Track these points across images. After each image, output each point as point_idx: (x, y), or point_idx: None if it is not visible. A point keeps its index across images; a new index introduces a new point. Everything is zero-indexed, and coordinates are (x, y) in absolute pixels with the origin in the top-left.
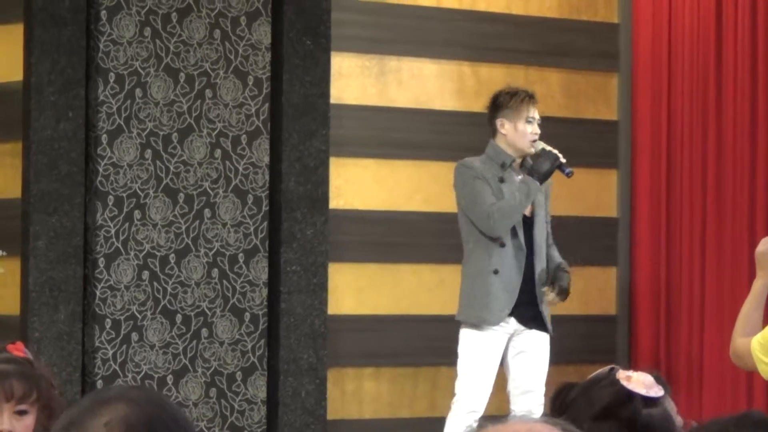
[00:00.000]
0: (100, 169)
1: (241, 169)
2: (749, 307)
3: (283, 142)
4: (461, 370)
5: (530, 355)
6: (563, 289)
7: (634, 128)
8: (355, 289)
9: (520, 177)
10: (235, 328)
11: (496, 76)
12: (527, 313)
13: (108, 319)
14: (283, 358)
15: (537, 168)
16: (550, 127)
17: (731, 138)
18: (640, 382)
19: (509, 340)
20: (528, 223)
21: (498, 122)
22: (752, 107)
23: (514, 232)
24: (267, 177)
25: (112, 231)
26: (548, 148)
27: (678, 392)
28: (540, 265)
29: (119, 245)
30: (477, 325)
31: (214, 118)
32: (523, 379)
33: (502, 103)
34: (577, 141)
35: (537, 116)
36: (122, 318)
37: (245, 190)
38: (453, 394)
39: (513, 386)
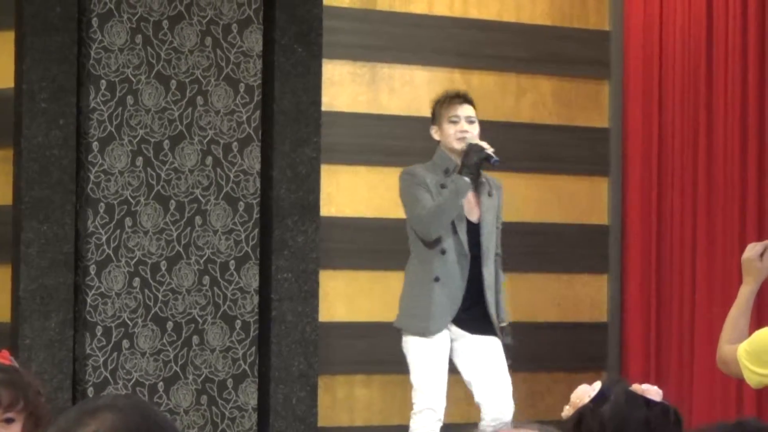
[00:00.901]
0: (92, 177)
1: (232, 176)
2: (735, 314)
3: (275, 149)
4: (415, 380)
5: (481, 360)
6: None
7: (625, 136)
8: (346, 296)
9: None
10: (226, 335)
11: (488, 84)
12: (471, 319)
13: (99, 327)
14: (274, 365)
15: (465, 163)
16: (541, 135)
17: (722, 145)
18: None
19: (453, 347)
20: (474, 228)
21: (432, 130)
22: (743, 114)
23: (456, 239)
24: (258, 184)
25: (103, 238)
26: (475, 142)
27: (669, 398)
28: (488, 270)
29: (110, 252)
30: (420, 333)
31: (205, 126)
32: (485, 385)
33: (432, 111)
34: (569, 148)
35: (466, 113)
36: (113, 325)
37: (236, 197)
38: (411, 404)
39: (479, 395)
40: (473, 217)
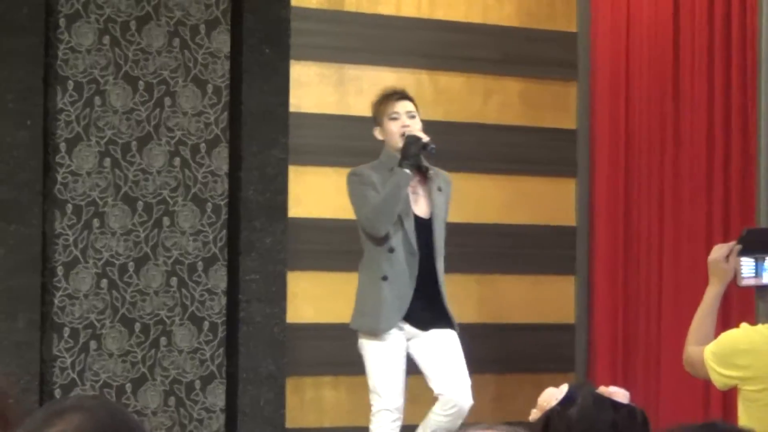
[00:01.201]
0: (59, 178)
1: (200, 177)
2: (701, 315)
3: (243, 150)
4: (370, 383)
5: (439, 353)
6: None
7: (592, 137)
8: (314, 298)
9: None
10: (193, 336)
11: (455, 85)
12: (425, 316)
13: (66, 328)
14: (242, 366)
15: (404, 154)
16: (508, 136)
17: (689, 146)
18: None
19: (409, 345)
20: (425, 224)
21: (375, 131)
22: (709, 116)
23: (405, 237)
24: (226, 185)
25: (71, 239)
26: (412, 133)
27: (636, 398)
28: (440, 266)
29: (78, 254)
30: (372, 333)
31: (173, 127)
32: (443, 376)
33: (372, 113)
34: (536, 150)
35: (405, 109)
36: (81, 326)
37: (204, 198)
38: (370, 406)
39: (438, 387)
40: (423, 213)
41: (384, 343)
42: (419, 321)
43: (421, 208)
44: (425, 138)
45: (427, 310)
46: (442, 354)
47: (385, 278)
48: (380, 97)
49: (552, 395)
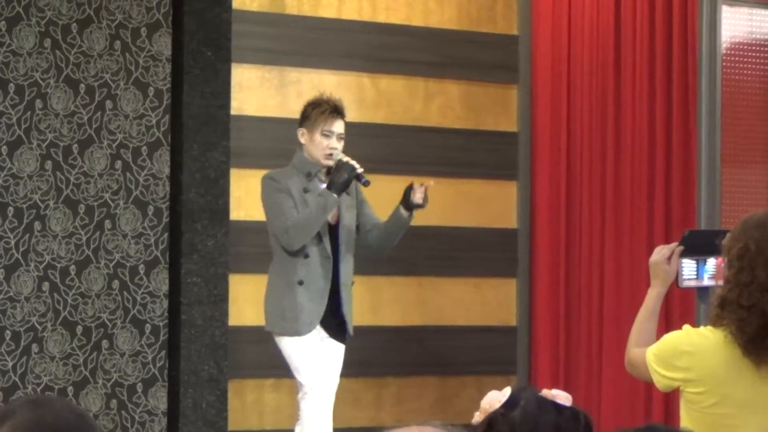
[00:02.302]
0: (0, 181)
1: (141, 180)
2: (643, 317)
3: (184, 153)
4: (299, 364)
5: (330, 368)
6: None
7: (533, 140)
8: (255, 301)
9: (323, 186)
10: (135, 339)
11: (396, 88)
12: (332, 322)
13: (8, 331)
14: (183, 369)
15: (334, 180)
16: (450, 139)
17: (630, 149)
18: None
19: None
20: (333, 230)
21: (299, 132)
22: (650, 118)
23: (319, 242)
24: (167, 188)
25: (12, 242)
26: (345, 159)
27: (577, 402)
28: (345, 271)
29: (19, 256)
30: (292, 334)
31: (114, 130)
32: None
33: (305, 113)
34: (477, 152)
35: (339, 130)
36: (22, 329)
37: (146, 201)
38: (299, 388)
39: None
40: (332, 220)
41: (306, 339)
42: (328, 325)
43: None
44: (360, 169)
45: (333, 317)
46: (332, 372)
47: (301, 283)
48: (321, 106)
49: (495, 398)
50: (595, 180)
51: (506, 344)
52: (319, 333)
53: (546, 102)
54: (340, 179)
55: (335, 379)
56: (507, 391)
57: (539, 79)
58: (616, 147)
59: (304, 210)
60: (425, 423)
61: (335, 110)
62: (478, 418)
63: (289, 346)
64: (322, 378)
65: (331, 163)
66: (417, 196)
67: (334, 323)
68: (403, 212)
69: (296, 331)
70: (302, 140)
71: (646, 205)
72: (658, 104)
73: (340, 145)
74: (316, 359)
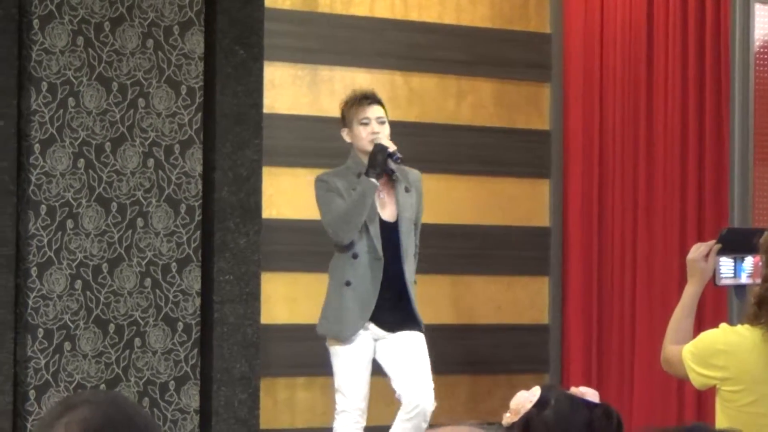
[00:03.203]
0: (33, 179)
1: (173, 178)
2: (680, 315)
3: (216, 151)
4: (337, 383)
5: (404, 355)
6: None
7: (565, 138)
8: (287, 299)
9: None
10: (167, 337)
11: (428, 86)
12: (391, 319)
13: (40, 329)
14: (215, 367)
15: (371, 163)
16: (482, 137)
17: (662, 147)
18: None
19: (376, 347)
20: (391, 228)
21: (343, 133)
22: (683, 116)
23: (369, 243)
24: (200, 186)
25: (45, 240)
26: (379, 141)
27: (608, 400)
28: (408, 268)
29: (52, 254)
30: (336, 337)
31: (146, 128)
32: (406, 377)
33: (341, 113)
34: (509, 151)
35: (376, 114)
36: (54, 327)
37: (178, 199)
38: (334, 407)
39: (399, 387)
40: (389, 217)
41: (350, 346)
42: (386, 323)
43: (387, 211)
44: (392, 147)
45: (394, 313)
46: (407, 357)
47: (348, 284)
48: (351, 100)
49: (525, 398)
50: (627, 178)
51: (538, 343)
52: (374, 333)
53: (578, 100)
54: (375, 162)
55: (419, 367)
56: (536, 391)
57: (571, 78)
58: (648, 145)
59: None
60: (461, 422)
61: (365, 97)
62: (508, 419)
63: (333, 354)
64: (355, 401)
65: None
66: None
67: (397, 319)
68: None
69: (338, 333)
70: (348, 140)
71: (678, 203)
72: (691, 102)
73: (383, 129)
74: (354, 378)
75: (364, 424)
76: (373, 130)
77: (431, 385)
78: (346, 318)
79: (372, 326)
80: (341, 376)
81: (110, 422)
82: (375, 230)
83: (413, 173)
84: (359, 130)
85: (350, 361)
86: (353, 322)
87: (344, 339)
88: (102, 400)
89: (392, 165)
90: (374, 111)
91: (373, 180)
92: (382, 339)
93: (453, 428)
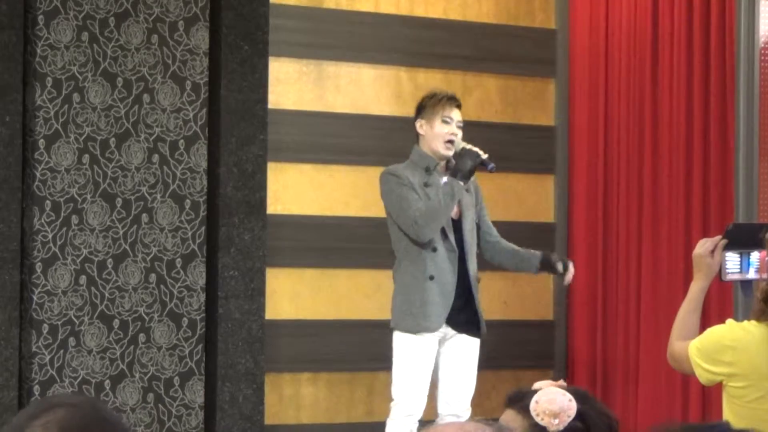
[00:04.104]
0: (38, 174)
1: (178, 174)
2: (686, 311)
3: (221, 147)
4: (398, 374)
5: (461, 361)
6: (559, 263)
7: (571, 134)
8: (292, 294)
9: (444, 179)
10: (172, 333)
11: (434, 82)
12: (460, 317)
13: (45, 324)
14: (220, 363)
15: (459, 167)
16: (487, 133)
17: (667, 143)
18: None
19: (440, 343)
20: (457, 225)
21: (418, 124)
22: (688, 112)
23: (444, 236)
24: (205, 182)
25: (50, 236)
26: (468, 146)
27: (614, 396)
28: (472, 267)
29: (56, 250)
30: (414, 330)
31: (151, 123)
32: (453, 384)
33: (422, 105)
34: (514, 147)
35: (457, 118)
36: (59, 323)
37: (183, 195)
38: (390, 399)
39: (443, 390)
40: (454, 214)
41: (421, 340)
42: (455, 321)
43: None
44: (484, 155)
45: (462, 312)
46: (461, 366)
47: (432, 278)
48: (438, 95)
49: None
50: (632, 174)
51: (543, 338)
52: (445, 331)
53: (583, 96)
54: (465, 166)
55: (470, 375)
56: (564, 396)
57: (577, 73)
58: (653, 141)
59: (432, 200)
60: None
61: (452, 98)
62: (556, 426)
63: (401, 344)
64: (415, 394)
65: (450, 153)
66: (566, 277)
67: (463, 319)
68: (539, 268)
69: (425, 327)
70: (421, 131)
71: (683, 199)
72: (696, 98)
73: (460, 133)
74: (417, 372)
75: (417, 421)
76: (453, 131)
77: (472, 393)
78: (432, 311)
79: (444, 325)
80: (403, 366)
81: (88, 424)
82: (449, 226)
83: (474, 180)
84: (440, 126)
85: (418, 353)
86: (438, 315)
87: (426, 332)
88: (79, 402)
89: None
90: (457, 114)
91: (462, 183)
92: (449, 338)
93: (460, 425)
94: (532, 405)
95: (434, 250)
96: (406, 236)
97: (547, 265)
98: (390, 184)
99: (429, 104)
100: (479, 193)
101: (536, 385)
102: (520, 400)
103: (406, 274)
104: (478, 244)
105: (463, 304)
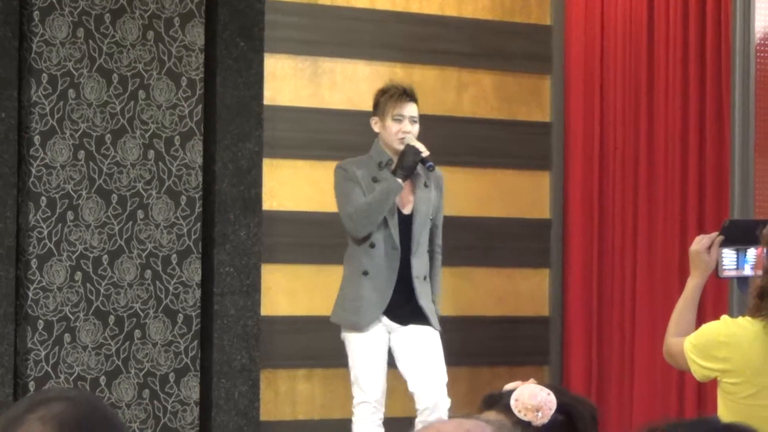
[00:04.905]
0: (33, 170)
1: (174, 170)
2: (682, 307)
3: (217, 143)
4: (353, 373)
5: (416, 351)
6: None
7: (566, 130)
8: (288, 291)
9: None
10: (168, 329)
11: (429, 78)
12: (403, 311)
13: (40, 321)
14: (216, 359)
15: (400, 164)
16: (482, 129)
17: (663, 139)
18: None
19: (390, 338)
20: (407, 220)
21: (372, 121)
22: (683, 109)
23: (387, 233)
24: (200, 178)
25: (45, 232)
26: (413, 143)
27: (609, 391)
28: (417, 263)
29: (52, 246)
30: (353, 328)
31: (147, 120)
32: (417, 375)
33: (376, 101)
34: (510, 143)
35: (410, 113)
36: (55, 319)
37: (178, 191)
38: (352, 398)
39: (412, 385)
40: (406, 209)
41: (366, 337)
42: (398, 316)
43: (404, 204)
44: (425, 152)
45: (406, 306)
46: (420, 352)
47: (365, 273)
48: (390, 90)
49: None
50: (628, 170)
51: (539, 335)
52: (387, 325)
53: (579, 92)
54: (406, 163)
55: (431, 362)
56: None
57: (572, 70)
58: (648, 137)
59: (368, 196)
60: (468, 416)
61: (404, 93)
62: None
63: (349, 345)
64: (372, 391)
65: (402, 145)
66: None
67: (407, 312)
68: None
69: (355, 324)
70: (376, 129)
71: (678, 195)
72: (691, 94)
73: (414, 128)
74: (370, 369)
75: (382, 415)
76: (405, 129)
77: (445, 380)
78: (364, 307)
79: (384, 318)
80: (358, 367)
81: (86, 418)
82: (393, 222)
83: (436, 172)
84: (391, 125)
85: (367, 352)
86: (371, 311)
87: (361, 329)
88: (75, 396)
89: (420, 170)
90: (410, 109)
91: (400, 181)
92: (395, 332)
93: (460, 421)
94: (513, 403)
95: (372, 246)
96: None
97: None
98: (337, 178)
99: (381, 101)
100: (441, 191)
101: (507, 387)
102: (498, 401)
103: (346, 268)
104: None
105: (405, 300)
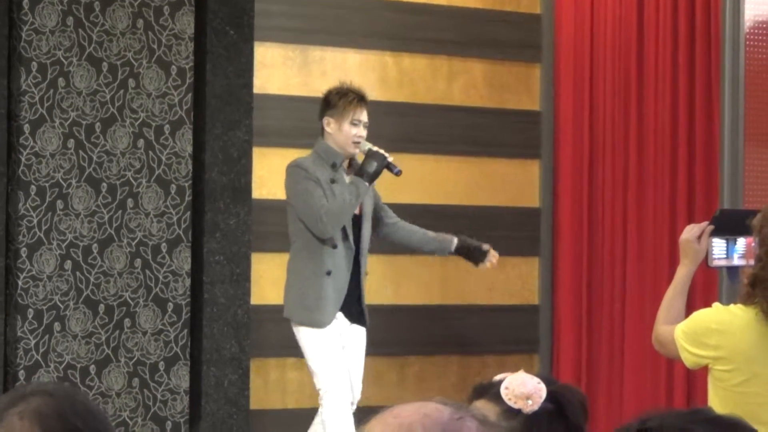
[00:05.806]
0: (23, 159)
1: (164, 158)
2: (672, 295)
3: (207, 132)
4: (316, 366)
5: (352, 351)
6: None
7: (556, 119)
8: (277, 279)
9: (348, 177)
10: (157, 318)
11: (419, 67)
12: (353, 309)
13: (30, 309)
14: (205, 348)
15: (365, 169)
16: (472, 118)
17: (653, 128)
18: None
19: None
20: (357, 222)
21: (325, 120)
22: (673, 98)
23: (345, 234)
24: (190, 167)
25: (35, 221)
26: (375, 148)
27: (599, 380)
28: (365, 262)
29: (42, 235)
30: (313, 325)
31: (137, 108)
32: (354, 371)
33: (331, 101)
34: (500, 131)
35: (365, 119)
36: (45, 308)
37: (168, 179)
38: (317, 392)
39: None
40: (356, 211)
41: (326, 332)
42: (350, 314)
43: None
44: (390, 158)
45: (356, 305)
46: (357, 353)
47: (329, 273)
48: (349, 95)
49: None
50: (617, 159)
51: (528, 323)
52: (341, 321)
53: (569, 81)
54: (371, 168)
55: (361, 362)
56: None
57: (562, 58)
58: (638, 126)
59: (336, 199)
60: (428, 399)
61: (362, 99)
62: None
63: (307, 339)
64: (339, 378)
65: (356, 152)
66: (487, 264)
67: (354, 310)
68: (452, 251)
69: (318, 322)
70: (329, 129)
71: (668, 184)
72: (681, 83)
73: (365, 133)
74: (332, 358)
75: (351, 399)
76: (360, 134)
77: (360, 381)
78: (326, 306)
79: (339, 315)
80: (319, 358)
81: (66, 410)
82: (349, 223)
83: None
84: (348, 128)
85: (326, 343)
86: (332, 309)
87: (323, 326)
88: (54, 390)
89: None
90: (365, 115)
91: (367, 184)
92: (344, 328)
93: (420, 404)
94: (503, 391)
95: (334, 246)
96: (309, 231)
97: (464, 251)
98: (296, 177)
99: (340, 104)
100: (377, 193)
101: (497, 378)
102: (488, 390)
103: (306, 268)
104: (375, 230)
105: (356, 298)
